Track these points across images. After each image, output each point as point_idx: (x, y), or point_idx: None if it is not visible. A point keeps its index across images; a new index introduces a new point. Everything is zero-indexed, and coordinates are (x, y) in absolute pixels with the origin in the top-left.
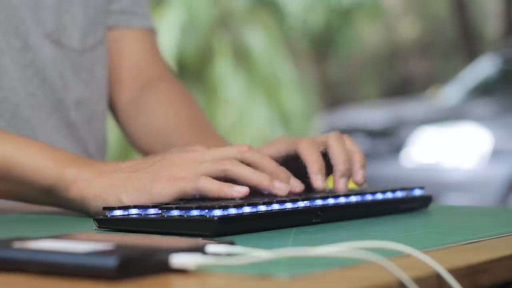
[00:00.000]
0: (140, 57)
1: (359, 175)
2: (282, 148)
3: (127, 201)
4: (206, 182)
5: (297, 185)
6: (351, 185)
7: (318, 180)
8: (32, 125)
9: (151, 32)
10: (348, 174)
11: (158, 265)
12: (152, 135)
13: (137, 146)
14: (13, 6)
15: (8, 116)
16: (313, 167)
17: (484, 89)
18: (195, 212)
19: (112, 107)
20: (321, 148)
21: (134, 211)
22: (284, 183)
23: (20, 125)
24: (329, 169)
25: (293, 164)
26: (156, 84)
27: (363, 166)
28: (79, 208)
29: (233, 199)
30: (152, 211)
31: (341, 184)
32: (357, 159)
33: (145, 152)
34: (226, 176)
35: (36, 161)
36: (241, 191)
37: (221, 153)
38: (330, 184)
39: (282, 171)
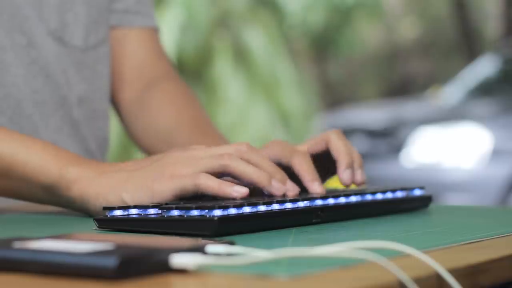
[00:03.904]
0: (143, 56)
1: (358, 175)
2: (273, 155)
3: (128, 200)
4: (206, 179)
5: (292, 188)
6: (352, 186)
7: (315, 186)
8: (34, 122)
9: (154, 31)
10: (351, 167)
11: (158, 265)
12: (154, 135)
13: (140, 145)
14: (16, 3)
15: (10, 113)
16: (307, 177)
17: (484, 89)
18: (195, 212)
19: (116, 106)
20: (323, 144)
21: (134, 211)
22: (280, 184)
23: (22, 122)
24: (328, 170)
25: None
26: (158, 84)
27: (361, 167)
28: (80, 207)
29: (233, 199)
30: (152, 211)
31: (346, 175)
32: (356, 158)
33: (147, 151)
34: (226, 172)
35: (38, 158)
36: (241, 191)
37: (221, 150)
38: (329, 184)
39: (279, 173)
